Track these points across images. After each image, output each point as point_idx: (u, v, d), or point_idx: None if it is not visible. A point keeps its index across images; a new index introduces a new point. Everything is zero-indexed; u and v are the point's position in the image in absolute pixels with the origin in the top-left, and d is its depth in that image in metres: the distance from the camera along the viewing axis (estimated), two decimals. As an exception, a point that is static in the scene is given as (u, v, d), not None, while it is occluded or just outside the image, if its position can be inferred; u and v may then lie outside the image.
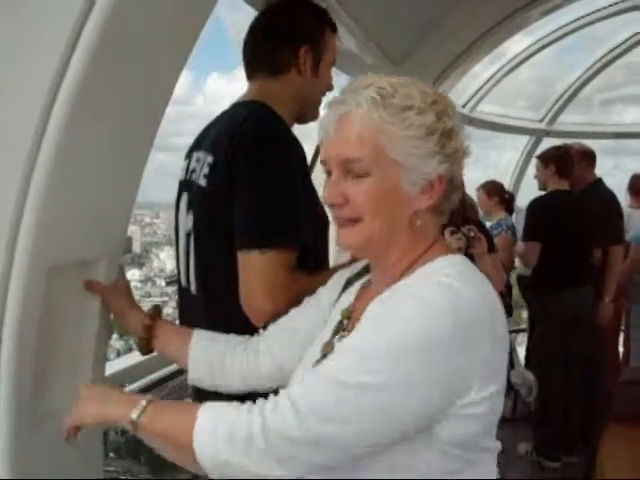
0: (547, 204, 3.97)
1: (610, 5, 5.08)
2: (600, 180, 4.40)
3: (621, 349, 4.86)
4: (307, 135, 1.90)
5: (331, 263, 1.70)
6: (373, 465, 0.99)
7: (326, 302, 1.31)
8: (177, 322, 1.70)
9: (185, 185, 1.62)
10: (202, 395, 1.43)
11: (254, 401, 1.01)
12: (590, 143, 4.69)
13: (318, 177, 1.38)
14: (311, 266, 1.47)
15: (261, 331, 1.37)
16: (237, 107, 1.61)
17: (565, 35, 5.41)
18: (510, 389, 3.81)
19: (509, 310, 4.14)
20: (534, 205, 4.02)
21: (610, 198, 4.39)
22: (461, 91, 5.33)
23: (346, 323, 1.18)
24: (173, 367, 2.21)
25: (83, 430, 1.44)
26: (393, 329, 0.95)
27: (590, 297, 3.96)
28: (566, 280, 3.79)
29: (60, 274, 1.35)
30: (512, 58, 5.57)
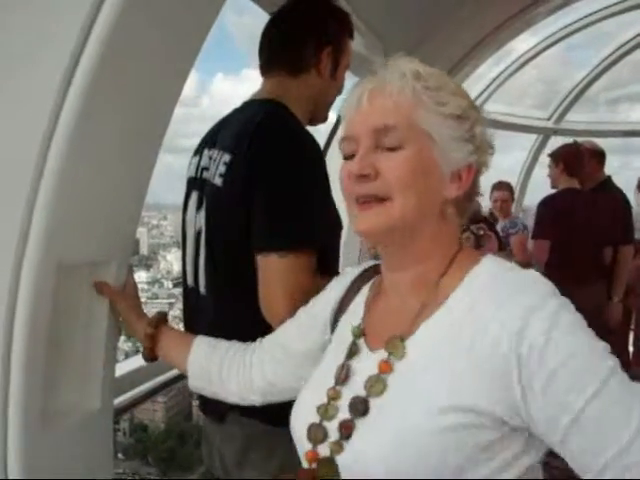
0: (557, 202, 3.95)
1: (616, 3, 5.06)
2: (610, 179, 4.38)
3: (631, 349, 4.85)
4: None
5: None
6: None
7: (326, 309, 1.22)
8: (183, 323, 1.70)
9: (195, 183, 1.59)
10: (207, 399, 1.43)
11: None
12: (597, 142, 4.68)
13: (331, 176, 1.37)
14: (323, 268, 1.43)
15: (258, 341, 1.33)
16: (253, 105, 1.58)
17: (572, 33, 5.40)
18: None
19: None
20: (544, 203, 4.00)
21: (620, 197, 4.36)
22: (467, 90, 5.33)
23: (360, 343, 1.07)
24: (180, 369, 2.21)
25: (93, 430, 1.45)
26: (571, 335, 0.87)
27: (600, 296, 3.95)
28: (576, 278, 3.77)
29: (70, 274, 1.36)
30: (518, 57, 5.57)
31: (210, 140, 1.59)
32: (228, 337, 1.38)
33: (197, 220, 1.55)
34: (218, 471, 1.58)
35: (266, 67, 1.64)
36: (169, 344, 1.43)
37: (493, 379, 0.87)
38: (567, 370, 0.83)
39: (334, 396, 1.01)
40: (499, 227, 4.57)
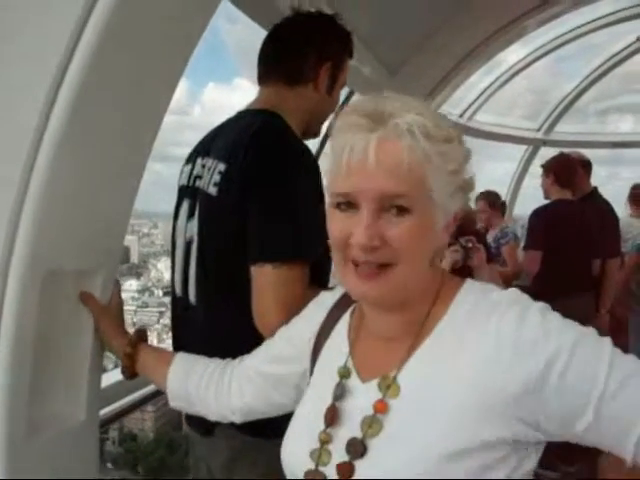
0: (549, 213, 3.96)
1: (607, 15, 5.10)
2: (596, 189, 4.41)
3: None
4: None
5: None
6: None
7: (304, 338, 1.19)
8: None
9: (187, 191, 1.59)
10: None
11: None
12: (586, 152, 4.70)
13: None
14: (315, 280, 1.43)
15: (238, 359, 1.31)
16: (248, 115, 1.58)
17: (562, 45, 5.43)
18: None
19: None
20: (537, 214, 4.01)
21: (607, 208, 4.40)
22: (458, 100, 5.36)
23: (348, 382, 1.04)
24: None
25: (78, 437, 1.44)
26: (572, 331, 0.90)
27: (589, 307, 3.96)
28: (566, 289, 3.78)
29: (56, 283, 1.35)
30: (509, 68, 5.60)
31: (203, 149, 1.58)
32: (219, 346, 1.38)
33: (188, 229, 1.54)
34: (204, 483, 1.58)
35: (264, 76, 1.64)
36: (148, 364, 1.44)
37: (497, 404, 0.87)
38: (577, 359, 0.85)
39: (326, 439, 1.00)
40: (490, 237, 4.58)
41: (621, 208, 5.06)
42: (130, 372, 1.45)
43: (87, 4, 1.13)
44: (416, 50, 3.56)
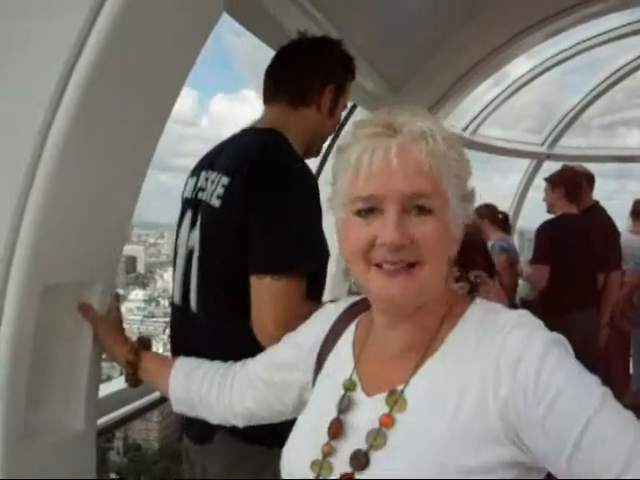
0: (557, 228, 3.96)
1: (613, 29, 5.10)
2: (598, 203, 4.42)
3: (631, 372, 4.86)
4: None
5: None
6: None
7: (308, 346, 1.20)
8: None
9: (190, 203, 1.64)
10: (192, 420, 1.44)
11: None
12: (593, 166, 4.70)
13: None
14: (310, 294, 1.47)
15: (241, 363, 1.33)
16: (254, 133, 1.65)
17: (568, 58, 5.43)
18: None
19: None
20: (544, 228, 4.00)
21: (609, 222, 4.42)
22: (462, 114, 5.36)
23: (353, 395, 1.05)
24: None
25: (76, 446, 1.45)
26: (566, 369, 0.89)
27: (594, 320, 3.96)
28: (573, 303, 3.78)
29: (55, 294, 1.37)
30: (514, 81, 5.59)
31: (208, 163, 1.63)
32: (220, 353, 1.40)
33: (190, 239, 1.59)
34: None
35: (269, 97, 1.71)
36: (150, 370, 1.46)
37: (494, 428, 0.89)
38: (560, 405, 0.85)
39: (329, 451, 1.01)
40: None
41: (624, 223, 5.07)
42: (133, 380, 1.48)
43: (90, 15, 1.15)
44: (419, 66, 3.58)
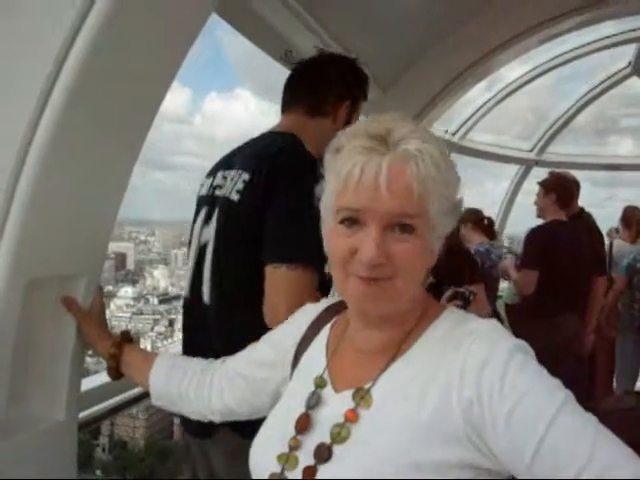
0: (546, 234, 3.97)
1: (606, 37, 5.13)
2: (583, 210, 4.45)
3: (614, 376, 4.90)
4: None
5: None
6: None
7: (286, 344, 1.22)
8: (180, 334, 1.73)
9: (206, 199, 1.70)
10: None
11: None
12: (582, 174, 4.74)
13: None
14: (321, 291, 1.51)
15: (221, 360, 1.35)
16: (273, 135, 1.75)
17: (561, 64, 5.44)
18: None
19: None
20: (534, 234, 4.01)
21: (595, 228, 4.45)
22: (452, 118, 5.37)
23: (322, 392, 1.07)
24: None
25: (56, 440, 1.46)
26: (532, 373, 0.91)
27: (579, 325, 3.98)
28: (560, 308, 3.80)
29: (39, 288, 1.38)
30: (507, 85, 5.60)
31: (225, 163, 1.72)
32: (231, 345, 1.40)
33: (203, 233, 1.66)
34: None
35: (287, 105, 1.83)
36: (132, 364, 1.48)
37: (456, 428, 0.91)
38: (523, 407, 0.87)
39: (295, 445, 1.03)
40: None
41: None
42: (115, 373, 1.49)
43: (78, 15, 1.17)
44: (409, 66, 3.58)
